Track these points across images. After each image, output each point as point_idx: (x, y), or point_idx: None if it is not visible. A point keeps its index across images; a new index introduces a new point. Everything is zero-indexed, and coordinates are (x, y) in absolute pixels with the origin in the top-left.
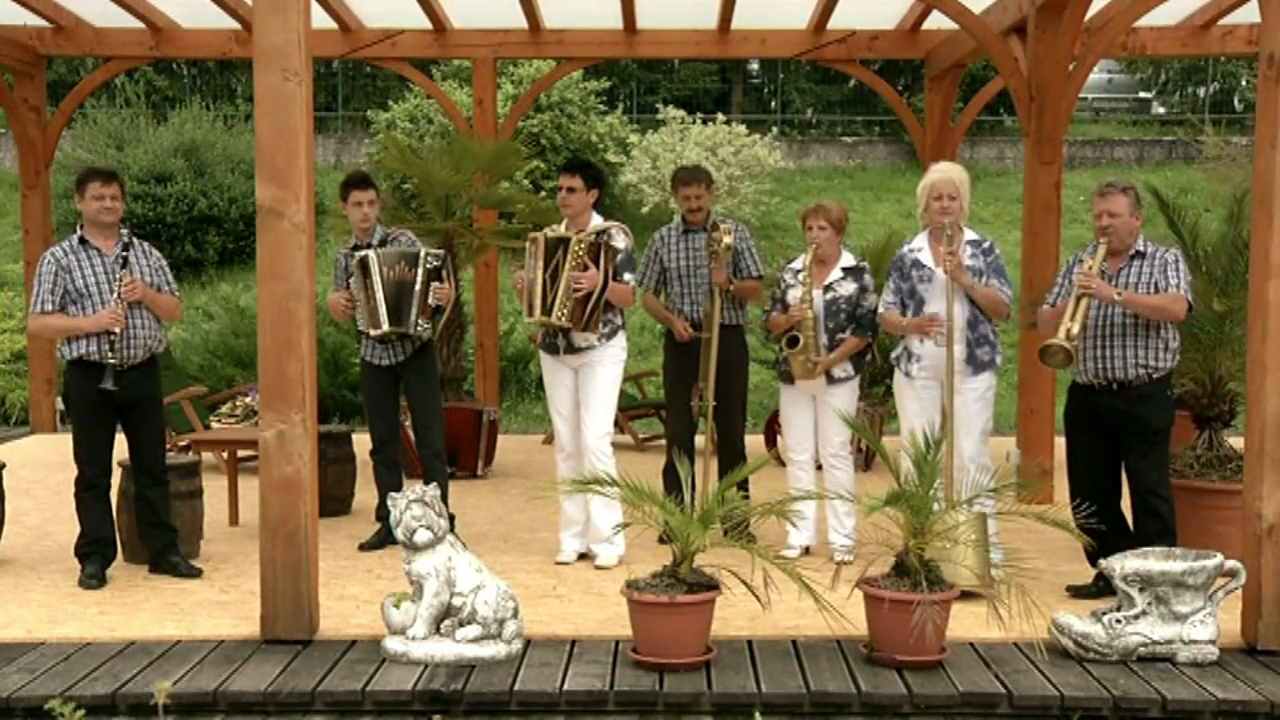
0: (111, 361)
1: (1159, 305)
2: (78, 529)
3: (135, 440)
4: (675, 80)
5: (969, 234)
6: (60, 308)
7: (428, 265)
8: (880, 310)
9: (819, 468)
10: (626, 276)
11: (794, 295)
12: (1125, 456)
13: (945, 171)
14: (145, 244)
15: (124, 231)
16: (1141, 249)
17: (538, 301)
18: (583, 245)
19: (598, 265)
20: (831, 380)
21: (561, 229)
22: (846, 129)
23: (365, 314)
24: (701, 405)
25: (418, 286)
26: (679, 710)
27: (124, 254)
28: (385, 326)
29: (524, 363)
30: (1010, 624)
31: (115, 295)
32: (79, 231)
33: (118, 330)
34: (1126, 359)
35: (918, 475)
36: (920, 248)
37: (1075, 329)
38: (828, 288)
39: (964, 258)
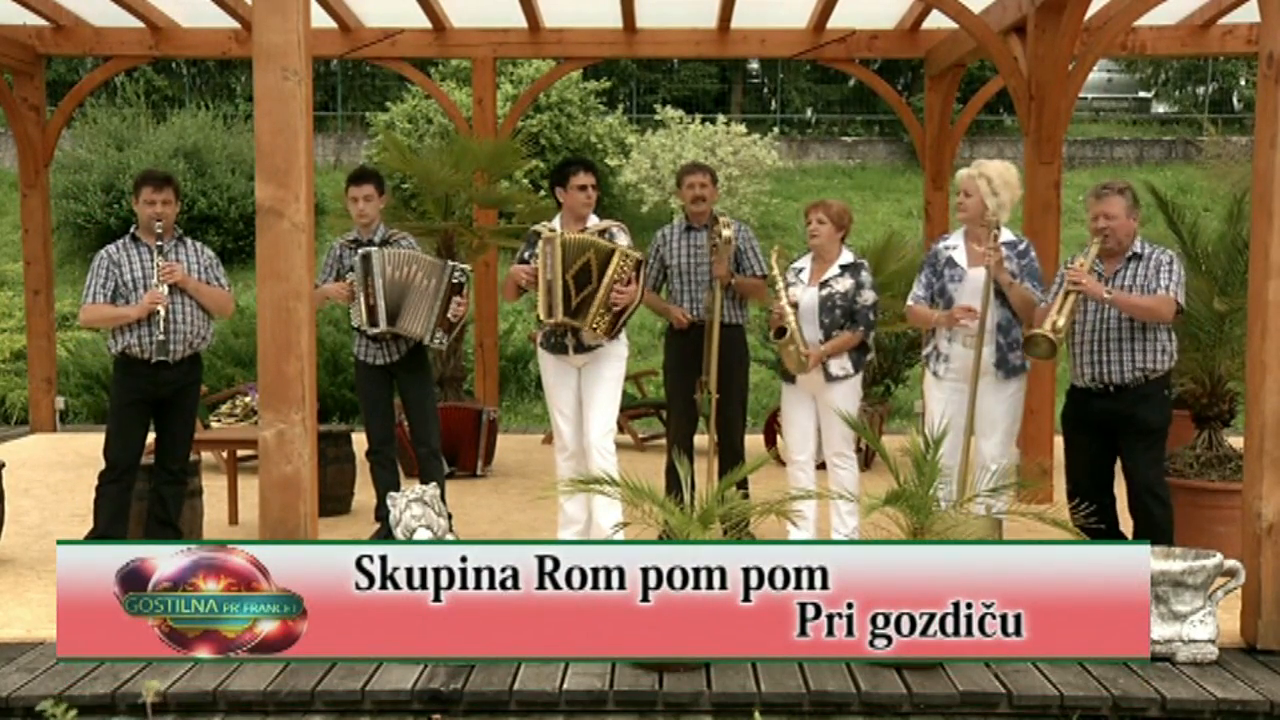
0: (161, 337)
1: (1148, 306)
2: (78, 528)
3: (164, 436)
4: (675, 80)
5: (1006, 235)
6: (110, 301)
7: (453, 279)
8: (908, 303)
9: (821, 467)
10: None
11: (793, 293)
12: (1123, 456)
13: (975, 166)
14: (198, 243)
15: (157, 228)
16: (1139, 251)
17: (559, 303)
18: (629, 260)
19: (636, 280)
20: (831, 379)
21: (556, 226)
22: (846, 129)
23: (362, 311)
24: (705, 397)
25: (439, 299)
26: (678, 710)
27: (159, 244)
28: (383, 325)
29: (524, 362)
30: None
31: (155, 280)
32: (132, 230)
33: (162, 310)
34: (1123, 362)
35: (918, 475)
36: (955, 245)
37: (1061, 322)
38: (823, 284)
39: None
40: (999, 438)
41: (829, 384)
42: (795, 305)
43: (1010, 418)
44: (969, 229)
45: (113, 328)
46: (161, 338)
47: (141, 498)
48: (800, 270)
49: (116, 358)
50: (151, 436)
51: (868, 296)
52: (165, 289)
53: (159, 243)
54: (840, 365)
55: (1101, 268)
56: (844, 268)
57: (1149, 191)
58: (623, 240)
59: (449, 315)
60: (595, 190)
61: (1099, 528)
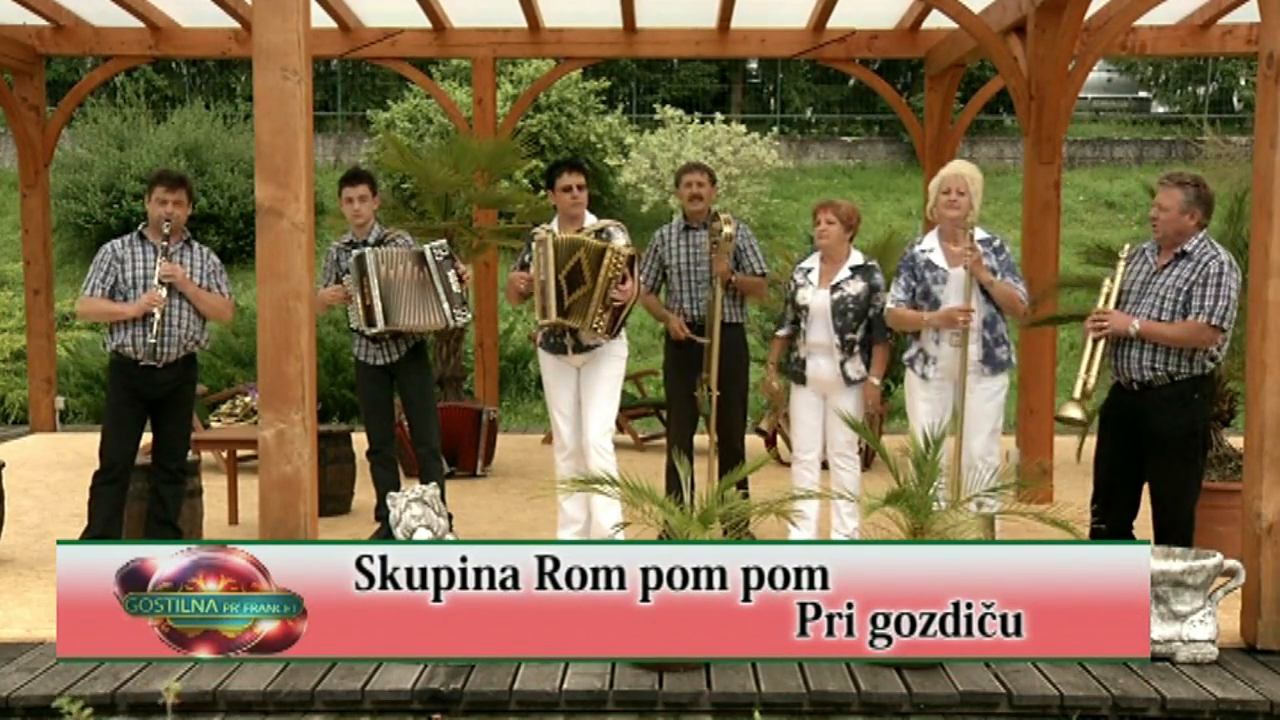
0: (153, 341)
1: (1179, 338)
2: (78, 528)
3: (160, 435)
4: (675, 80)
5: (979, 233)
6: (109, 296)
7: (438, 258)
8: (888, 306)
9: (824, 467)
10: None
11: (803, 295)
12: (1144, 464)
13: (955, 167)
14: (205, 248)
15: (165, 228)
16: (1187, 249)
17: (552, 304)
18: (621, 258)
19: (631, 275)
20: (850, 383)
21: (554, 228)
22: (846, 129)
23: (360, 312)
24: (705, 395)
25: (440, 283)
26: (678, 710)
27: (165, 244)
28: (380, 325)
29: (524, 362)
30: None
31: (155, 280)
32: (140, 227)
33: (157, 313)
34: (1143, 360)
35: (918, 475)
36: (931, 248)
37: (1092, 382)
38: (835, 286)
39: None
40: (986, 436)
41: (847, 387)
42: (806, 307)
43: (997, 414)
44: (942, 229)
45: (110, 326)
46: (153, 341)
47: (141, 498)
48: (809, 271)
49: (111, 356)
50: (148, 437)
51: (886, 298)
52: (164, 291)
53: (165, 244)
54: (856, 369)
55: (1153, 260)
56: (855, 269)
57: (1149, 191)
58: (619, 239)
59: (455, 290)
60: (582, 190)
61: (1099, 528)
